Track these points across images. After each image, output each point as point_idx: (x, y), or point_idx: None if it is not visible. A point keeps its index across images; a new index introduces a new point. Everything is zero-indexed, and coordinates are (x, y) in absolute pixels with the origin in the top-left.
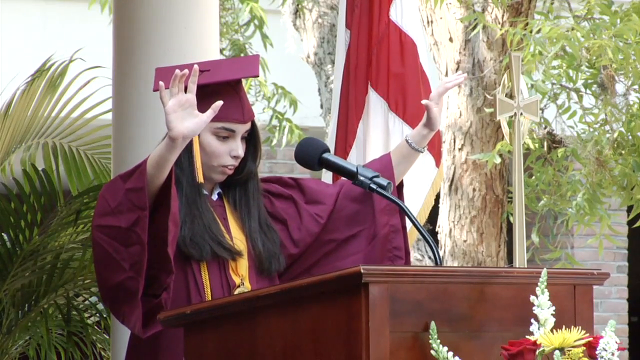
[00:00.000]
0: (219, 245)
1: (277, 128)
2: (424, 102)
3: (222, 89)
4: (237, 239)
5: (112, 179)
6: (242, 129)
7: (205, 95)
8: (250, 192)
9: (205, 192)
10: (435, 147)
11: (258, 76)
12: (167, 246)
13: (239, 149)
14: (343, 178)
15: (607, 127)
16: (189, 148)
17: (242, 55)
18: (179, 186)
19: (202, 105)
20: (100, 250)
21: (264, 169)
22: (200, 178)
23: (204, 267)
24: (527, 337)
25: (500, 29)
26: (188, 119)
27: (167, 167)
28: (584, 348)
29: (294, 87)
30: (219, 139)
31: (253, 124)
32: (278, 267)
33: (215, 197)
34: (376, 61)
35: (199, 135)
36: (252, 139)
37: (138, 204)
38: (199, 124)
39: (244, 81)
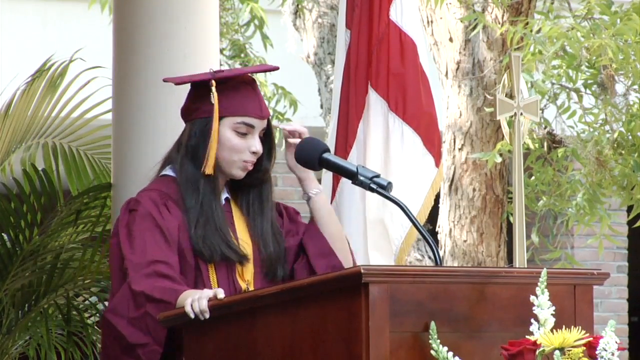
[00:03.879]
0: (229, 247)
1: (277, 128)
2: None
3: (240, 86)
4: (244, 242)
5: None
6: (260, 125)
7: (224, 90)
8: (265, 194)
9: None
10: (435, 147)
11: (278, 68)
12: None
13: (257, 144)
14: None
15: (607, 127)
16: (207, 143)
17: (242, 55)
18: (194, 183)
19: (220, 100)
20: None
21: None
22: (209, 169)
23: (212, 270)
24: (527, 337)
25: (500, 29)
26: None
27: None
28: (584, 348)
29: (294, 87)
30: (239, 135)
31: (269, 124)
32: (283, 273)
33: (222, 202)
34: (376, 61)
35: (219, 132)
36: (267, 139)
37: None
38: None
39: None
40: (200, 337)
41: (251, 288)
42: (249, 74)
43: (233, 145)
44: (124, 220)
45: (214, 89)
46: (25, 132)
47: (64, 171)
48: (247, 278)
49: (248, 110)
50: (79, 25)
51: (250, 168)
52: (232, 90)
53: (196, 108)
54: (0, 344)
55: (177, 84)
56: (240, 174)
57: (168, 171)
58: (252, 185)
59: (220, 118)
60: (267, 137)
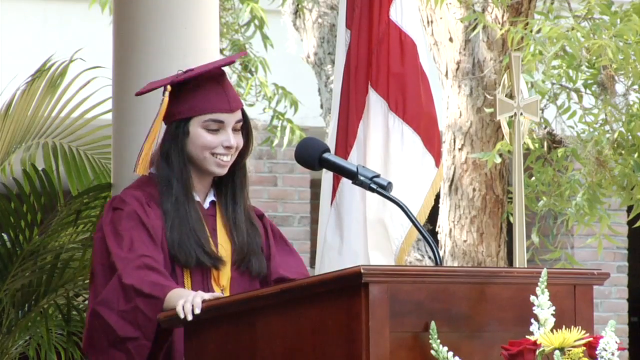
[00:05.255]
0: (202, 250)
1: (278, 128)
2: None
3: (205, 83)
4: (223, 247)
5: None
6: (231, 119)
7: (188, 90)
8: (237, 183)
9: (197, 198)
10: (435, 147)
11: (234, 62)
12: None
13: (231, 139)
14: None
15: (607, 127)
16: (179, 146)
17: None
18: (168, 185)
19: (186, 100)
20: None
21: (264, 169)
22: (139, 169)
23: (187, 275)
24: (527, 337)
25: (500, 29)
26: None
27: None
28: (584, 348)
29: (294, 87)
30: (210, 132)
31: (244, 115)
32: (259, 268)
33: (207, 205)
34: (376, 61)
35: (188, 132)
36: (244, 130)
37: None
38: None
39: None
40: (200, 337)
41: (226, 293)
42: (218, 68)
43: (205, 142)
44: (107, 217)
45: (166, 92)
46: (25, 132)
47: (64, 171)
48: (222, 283)
49: (215, 107)
50: (79, 25)
51: (226, 163)
52: (197, 89)
53: (168, 113)
54: (0, 344)
55: (137, 94)
56: (217, 169)
57: (152, 169)
58: (227, 177)
59: (190, 118)
60: (244, 128)
